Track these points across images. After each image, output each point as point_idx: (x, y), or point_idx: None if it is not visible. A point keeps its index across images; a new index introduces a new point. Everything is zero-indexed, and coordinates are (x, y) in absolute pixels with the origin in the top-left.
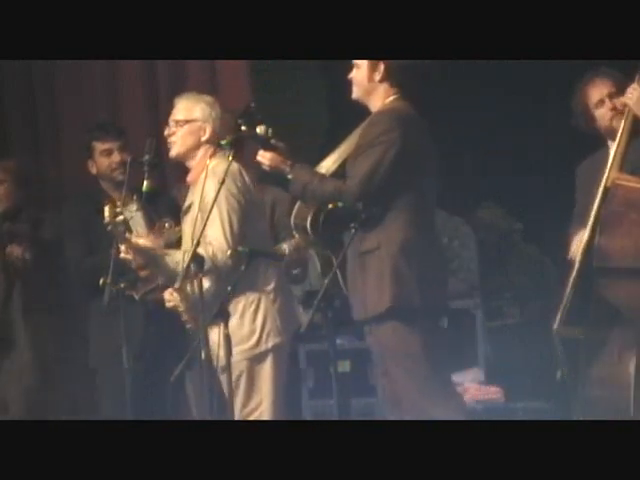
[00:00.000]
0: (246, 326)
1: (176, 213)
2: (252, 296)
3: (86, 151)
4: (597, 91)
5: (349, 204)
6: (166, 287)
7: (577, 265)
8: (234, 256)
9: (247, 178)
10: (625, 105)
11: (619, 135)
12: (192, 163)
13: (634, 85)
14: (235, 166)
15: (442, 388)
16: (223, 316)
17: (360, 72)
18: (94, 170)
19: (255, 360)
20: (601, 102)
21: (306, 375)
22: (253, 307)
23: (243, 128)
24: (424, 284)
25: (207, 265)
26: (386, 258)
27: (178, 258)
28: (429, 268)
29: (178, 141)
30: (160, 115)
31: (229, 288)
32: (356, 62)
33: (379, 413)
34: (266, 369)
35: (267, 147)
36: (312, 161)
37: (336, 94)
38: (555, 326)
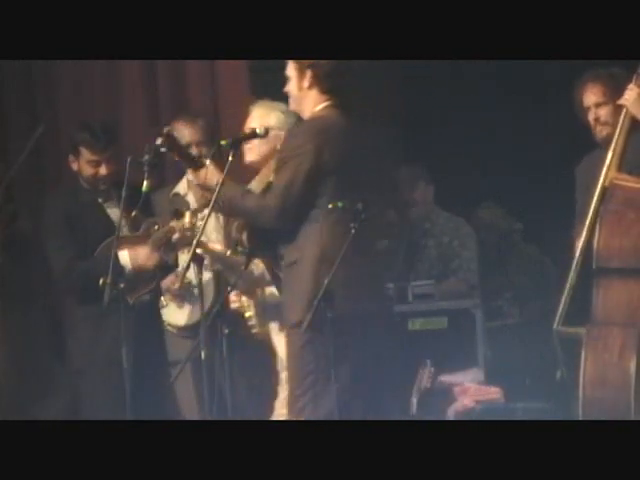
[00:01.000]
0: None
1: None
2: None
3: (71, 148)
4: (586, 98)
5: (268, 219)
6: (159, 290)
7: (576, 265)
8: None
9: None
10: (622, 106)
11: (617, 135)
12: (266, 171)
13: (631, 85)
14: None
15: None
16: (221, 316)
17: (291, 82)
18: (75, 167)
19: None
20: (588, 108)
21: None
22: None
23: (163, 149)
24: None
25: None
26: (306, 269)
27: (241, 261)
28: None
29: (254, 149)
30: (160, 115)
31: (229, 288)
32: (287, 73)
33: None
34: None
35: (195, 166)
36: None
37: None
38: (555, 326)
